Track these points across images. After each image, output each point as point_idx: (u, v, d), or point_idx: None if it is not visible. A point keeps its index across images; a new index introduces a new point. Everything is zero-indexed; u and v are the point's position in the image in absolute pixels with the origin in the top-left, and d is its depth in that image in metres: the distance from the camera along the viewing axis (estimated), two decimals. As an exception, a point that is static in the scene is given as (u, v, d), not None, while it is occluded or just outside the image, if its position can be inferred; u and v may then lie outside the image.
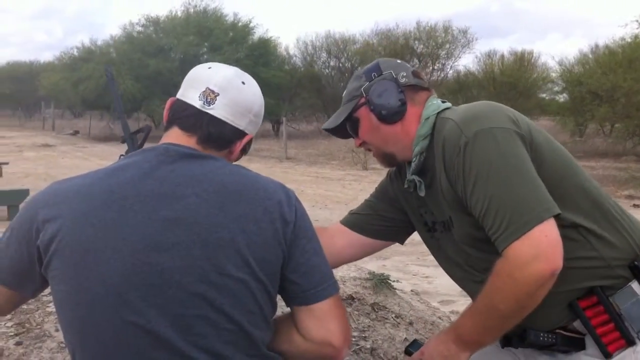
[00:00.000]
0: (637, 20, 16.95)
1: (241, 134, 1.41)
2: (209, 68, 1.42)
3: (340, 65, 30.59)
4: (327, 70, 31.01)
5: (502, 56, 28.36)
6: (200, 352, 1.24)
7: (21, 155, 18.89)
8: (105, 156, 15.84)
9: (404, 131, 1.64)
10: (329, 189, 13.40)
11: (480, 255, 1.56)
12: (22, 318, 2.07)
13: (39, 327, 2.06)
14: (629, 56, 17.41)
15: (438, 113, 1.62)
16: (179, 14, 29.35)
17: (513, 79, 25.39)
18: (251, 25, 29.69)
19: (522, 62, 27.25)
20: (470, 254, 1.60)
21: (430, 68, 30.10)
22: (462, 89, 26.74)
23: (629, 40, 17.94)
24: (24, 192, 9.89)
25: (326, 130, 1.75)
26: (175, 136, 1.37)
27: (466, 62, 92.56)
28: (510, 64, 27.11)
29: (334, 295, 1.37)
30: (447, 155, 1.51)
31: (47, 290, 1.37)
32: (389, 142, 1.67)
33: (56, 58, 34.66)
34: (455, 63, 31.90)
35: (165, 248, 1.23)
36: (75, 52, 30.79)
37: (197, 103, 1.36)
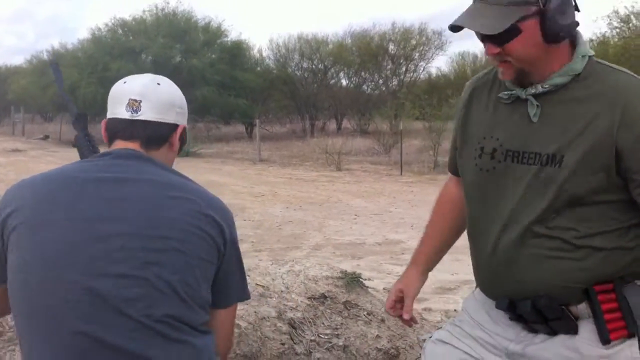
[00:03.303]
0: (608, 16, 17.22)
1: (173, 126, 1.55)
2: (125, 82, 1.56)
3: (314, 66, 30.61)
4: (299, 72, 31.00)
5: (475, 56, 28.69)
6: (138, 313, 1.34)
7: (-9, 161, 18.62)
8: (76, 160, 15.58)
9: (553, 56, 1.50)
10: (303, 190, 13.43)
11: (551, 210, 1.51)
12: (-6, 322, 2.06)
13: (12, 330, 2.06)
14: (599, 55, 17.64)
15: (590, 56, 1.52)
16: (148, 16, 28.95)
17: (485, 80, 25.64)
18: (223, 28, 29.53)
19: (494, 63, 27.52)
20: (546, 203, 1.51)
21: (404, 69, 30.27)
22: (434, 89, 26.92)
23: (597, 38, 18.22)
24: (-6, 197, 9.74)
25: (482, 32, 1.47)
26: (120, 145, 1.52)
27: (439, 63, 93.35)
28: (483, 64, 27.38)
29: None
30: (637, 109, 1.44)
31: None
32: (537, 62, 1.50)
33: (26, 61, 34.22)
34: (428, 65, 32.08)
35: (114, 219, 1.37)
36: (45, 56, 30.46)
37: (126, 115, 1.51)
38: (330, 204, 11.56)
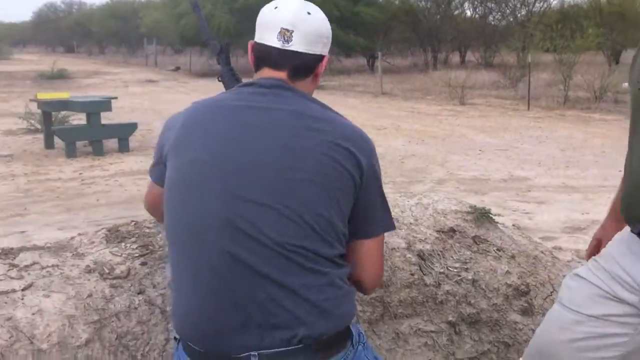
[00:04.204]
0: None
1: (319, 57, 1.55)
2: (275, 8, 1.53)
3: (437, -4, 29.69)
4: (422, 3, 30.15)
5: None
6: (271, 241, 1.37)
7: (127, 91, 19.63)
8: (206, 91, 16.30)
9: None
10: (426, 124, 13.28)
11: None
12: (146, 241, 2.21)
13: (161, 249, 2.22)
14: None
15: None
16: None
17: (621, 9, 23.87)
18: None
19: (633, -10, 25.52)
20: None
21: (533, -1, 28.74)
22: (565, 19, 25.40)
23: None
24: (133, 126, 10.35)
25: None
26: (267, 73, 1.53)
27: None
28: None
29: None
30: None
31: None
32: None
33: (156, -5, 35.30)
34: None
35: (248, 147, 1.41)
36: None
37: (277, 44, 1.50)
38: (453, 139, 11.38)
